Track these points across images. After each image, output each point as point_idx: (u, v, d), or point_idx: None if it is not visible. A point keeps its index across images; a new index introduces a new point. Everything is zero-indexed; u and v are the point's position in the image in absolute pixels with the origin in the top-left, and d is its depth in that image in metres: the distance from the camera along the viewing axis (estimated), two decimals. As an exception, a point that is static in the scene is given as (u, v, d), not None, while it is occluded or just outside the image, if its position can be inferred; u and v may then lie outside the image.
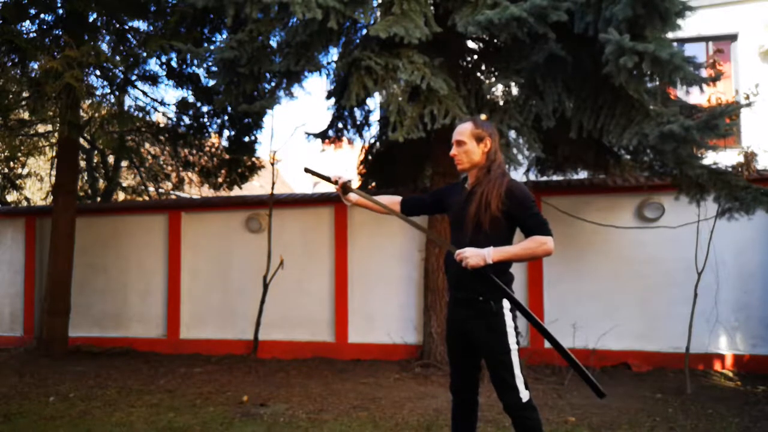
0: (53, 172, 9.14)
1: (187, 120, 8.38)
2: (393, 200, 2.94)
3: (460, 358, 2.73)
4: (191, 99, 8.08)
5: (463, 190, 2.71)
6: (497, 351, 2.54)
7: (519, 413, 2.53)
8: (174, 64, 7.80)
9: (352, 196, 2.84)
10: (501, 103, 5.58)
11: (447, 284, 2.80)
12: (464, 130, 2.65)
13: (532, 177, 7.05)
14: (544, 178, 7.07)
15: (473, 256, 2.44)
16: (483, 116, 2.81)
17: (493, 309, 2.54)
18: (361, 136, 7.53)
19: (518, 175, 6.56)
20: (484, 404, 4.83)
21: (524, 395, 2.53)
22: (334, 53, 6.17)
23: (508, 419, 4.32)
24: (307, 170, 2.98)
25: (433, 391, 5.30)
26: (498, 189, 2.51)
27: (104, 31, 7.54)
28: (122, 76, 7.65)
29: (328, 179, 2.83)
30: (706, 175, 5.05)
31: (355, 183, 9.60)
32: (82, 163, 10.49)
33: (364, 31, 5.47)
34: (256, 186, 13.02)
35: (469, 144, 2.63)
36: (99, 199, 10.79)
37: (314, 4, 4.55)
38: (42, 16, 7.11)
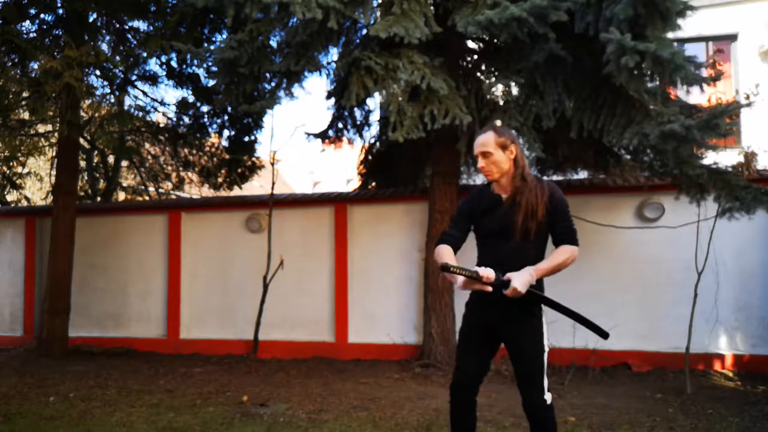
0: (53, 172, 9.14)
1: (187, 120, 8.39)
2: (451, 252, 2.67)
3: (477, 356, 2.69)
4: (191, 99, 8.09)
5: (497, 198, 2.65)
6: (535, 351, 2.56)
7: (543, 413, 2.59)
8: (174, 64, 7.80)
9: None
10: (501, 103, 5.58)
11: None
12: (488, 140, 2.60)
13: (532, 177, 7.05)
14: (544, 178, 7.06)
15: (522, 285, 2.43)
16: (498, 122, 2.76)
17: (535, 311, 2.60)
18: (361, 136, 7.54)
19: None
20: (484, 404, 4.83)
21: (548, 396, 2.59)
22: (334, 53, 6.18)
23: (507, 419, 4.33)
24: (446, 268, 2.48)
25: (433, 391, 5.30)
26: (542, 197, 2.54)
27: (104, 31, 7.54)
28: (122, 76, 7.66)
29: (475, 277, 2.45)
30: (706, 174, 5.05)
31: (355, 183, 9.61)
32: (82, 163, 10.49)
33: (364, 31, 5.48)
34: (256, 186, 13.02)
35: (495, 154, 2.59)
36: (99, 199, 10.79)
37: (314, 4, 4.55)
38: (42, 16, 7.11)
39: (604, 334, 2.65)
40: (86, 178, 10.95)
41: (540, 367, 2.57)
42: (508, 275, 2.47)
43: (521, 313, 2.57)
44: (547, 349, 2.61)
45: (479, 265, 2.68)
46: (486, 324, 2.66)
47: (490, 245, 2.65)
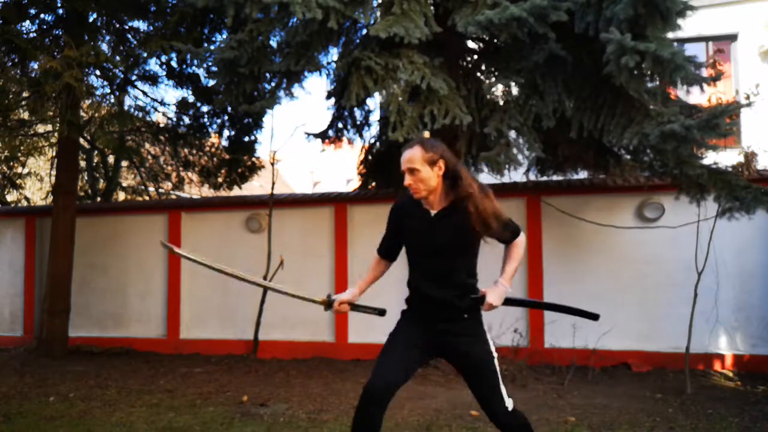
0: (53, 172, 9.15)
1: (187, 120, 8.39)
2: (377, 265, 2.87)
3: (406, 365, 2.53)
4: (191, 99, 8.09)
5: (425, 214, 2.51)
6: (486, 360, 2.49)
7: (510, 421, 2.49)
8: (174, 64, 7.80)
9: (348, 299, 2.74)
10: (501, 103, 5.58)
11: (416, 303, 2.68)
12: (414, 156, 2.43)
13: (532, 177, 7.05)
14: (544, 178, 7.07)
15: (498, 299, 2.45)
16: (426, 133, 2.63)
17: (477, 321, 2.52)
18: (361, 136, 7.53)
19: (518, 175, 6.56)
20: (484, 404, 4.83)
21: (509, 403, 2.50)
22: (334, 53, 6.17)
23: (508, 419, 4.33)
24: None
25: (433, 391, 5.30)
26: (490, 211, 2.40)
27: (104, 31, 7.54)
28: (122, 76, 7.65)
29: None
30: (706, 174, 5.05)
31: (355, 183, 9.60)
32: (82, 163, 10.50)
33: (364, 31, 5.48)
34: (256, 186, 13.02)
35: (423, 171, 2.42)
36: (99, 199, 10.80)
37: (314, 4, 4.55)
38: (42, 16, 7.11)
39: (593, 317, 2.64)
40: (86, 178, 10.96)
41: (495, 374, 2.49)
42: (483, 290, 2.44)
43: (466, 328, 2.50)
44: (495, 354, 2.52)
45: (410, 283, 2.66)
46: (430, 339, 2.54)
47: (423, 265, 2.55)
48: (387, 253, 2.80)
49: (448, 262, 2.49)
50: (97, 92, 7.73)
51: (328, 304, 2.64)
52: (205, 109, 8.03)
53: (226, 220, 7.78)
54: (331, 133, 7.23)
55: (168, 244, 2.71)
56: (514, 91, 5.54)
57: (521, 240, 2.57)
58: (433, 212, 2.51)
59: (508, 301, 2.56)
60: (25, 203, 11.29)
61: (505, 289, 2.47)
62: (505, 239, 2.56)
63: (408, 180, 2.48)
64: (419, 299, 2.62)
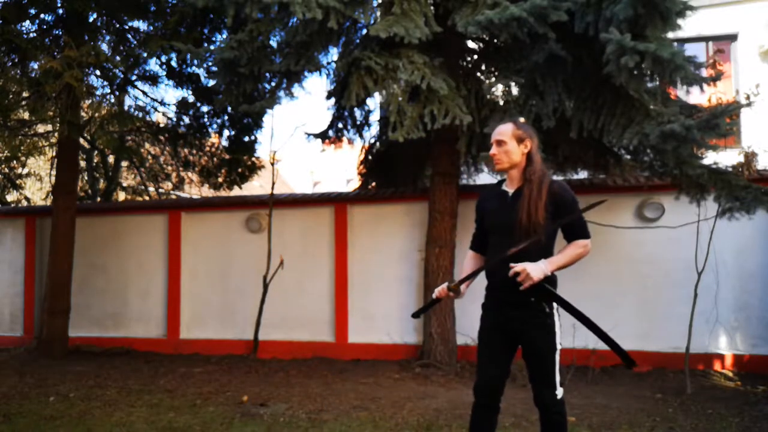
0: (53, 172, 9.14)
1: (187, 120, 8.39)
2: (474, 258, 2.90)
3: (496, 358, 2.68)
4: (191, 99, 8.09)
5: (504, 193, 2.70)
6: (546, 349, 2.57)
7: (553, 410, 2.59)
8: (174, 64, 7.80)
9: (461, 288, 2.74)
10: (501, 103, 5.58)
11: (489, 288, 2.76)
12: (505, 130, 2.66)
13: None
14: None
15: (534, 271, 2.46)
16: (522, 119, 2.77)
17: (546, 308, 2.58)
18: (361, 136, 7.54)
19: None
20: (484, 404, 4.83)
21: (560, 392, 2.61)
22: (334, 53, 6.18)
23: (508, 419, 4.33)
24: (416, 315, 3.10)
25: (433, 391, 5.31)
26: (542, 194, 2.55)
27: (104, 31, 7.54)
28: (122, 76, 7.65)
29: (436, 301, 2.83)
30: (706, 174, 5.06)
31: (355, 183, 9.62)
32: (82, 163, 10.49)
33: (364, 31, 5.48)
34: (256, 186, 13.03)
35: (509, 144, 2.64)
36: (99, 199, 10.79)
37: (314, 4, 4.55)
38: (42, 16, 7.10)
39: (630, 363, 2.59)
40: (86, 178, 10.96)
41: (552, 366, 2.58)
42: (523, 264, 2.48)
43: (534, 313, 2.58)
44: (559, 347, 2.60)
45: (487, 261, 2.75)
46: (502, 326, 2.66)
47: (495, 242, 2.68)
48: (480, 246, 2.87)
49: (516, 241, 2.54)
50: (97, 92, 7.72)
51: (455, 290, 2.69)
52: (205, 109, 8.03)
53: (226, 220, 7.78)
54: (331, 133, 7.24)
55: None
56: (514, 91, 5.55)
57: (581, 242, 2.62)
58: (509, 191, 2.67)
59: (554, 296, 2.56)
60: (25, 203, 11.28)
61: (543, 268, 2.49)
62: (568, 233, 2.64)
63: (494, 150, 2.68)
64: (490, 282, 2.72)
